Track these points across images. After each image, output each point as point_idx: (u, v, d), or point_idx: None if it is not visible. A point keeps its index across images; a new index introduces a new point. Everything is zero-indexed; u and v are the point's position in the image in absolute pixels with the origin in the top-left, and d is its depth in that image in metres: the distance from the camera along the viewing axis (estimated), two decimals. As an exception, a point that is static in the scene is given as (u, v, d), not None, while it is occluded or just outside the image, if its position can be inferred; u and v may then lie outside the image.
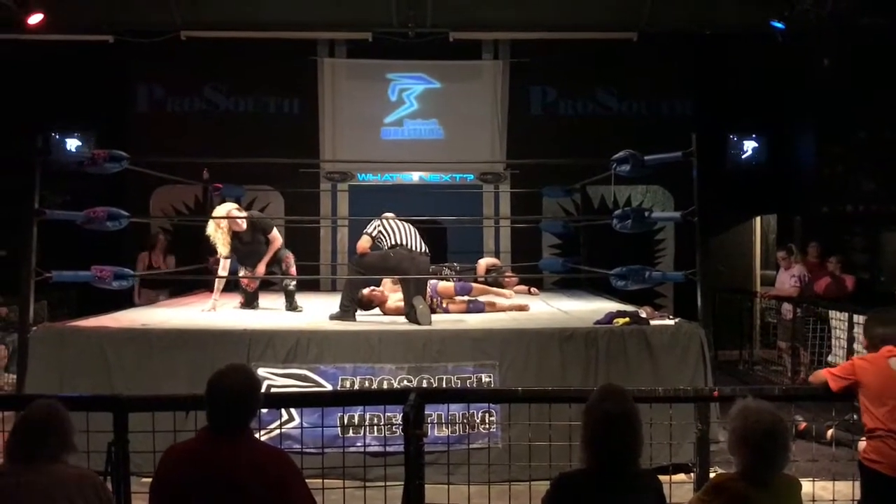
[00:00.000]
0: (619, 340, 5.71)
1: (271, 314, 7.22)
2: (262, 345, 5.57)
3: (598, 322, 6.03)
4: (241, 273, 7.43)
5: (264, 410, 4.82)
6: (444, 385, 5.44)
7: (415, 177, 10.88)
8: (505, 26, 10.47)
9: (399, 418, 4.44)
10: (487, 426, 5.42)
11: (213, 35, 10.24)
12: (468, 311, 7.20)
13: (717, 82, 10.82)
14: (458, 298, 7.25)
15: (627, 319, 5.97)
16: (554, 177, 10.05)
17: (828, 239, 9.80)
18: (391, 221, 6.67)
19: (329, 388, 5.45)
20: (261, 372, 5.35)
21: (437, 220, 9.02)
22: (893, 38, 8.98)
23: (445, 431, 5.30)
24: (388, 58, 10.73)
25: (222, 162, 9.07)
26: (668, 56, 10.74)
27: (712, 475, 4.32)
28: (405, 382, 5.45)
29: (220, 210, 7.30)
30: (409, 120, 10.88)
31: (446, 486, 4.24)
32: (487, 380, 5.55)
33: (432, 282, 7.11)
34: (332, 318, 6.48)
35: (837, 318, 8.15)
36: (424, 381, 5.43)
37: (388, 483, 3.71)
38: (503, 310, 7.34)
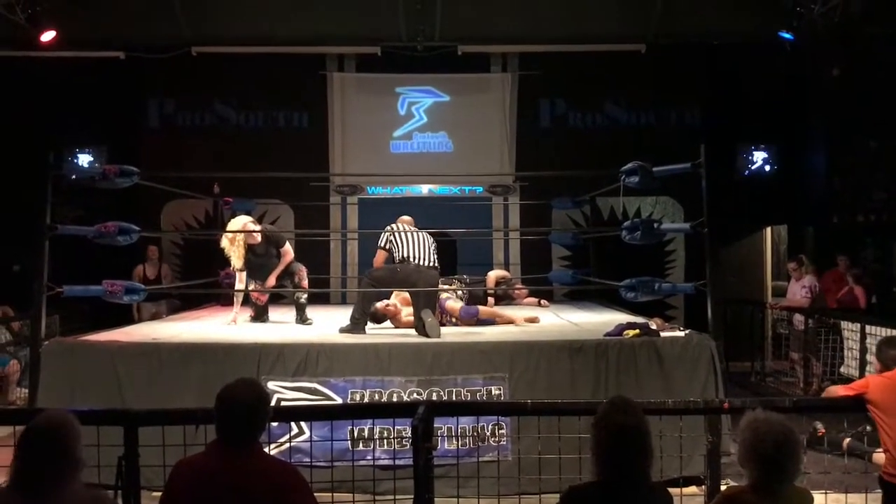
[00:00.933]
0: (629, 352, 5.69)
1: (281, 327, 7.24)
2: (273, 358, 5.58)
3: (608, 334, 6.01)
4: (252, 286, 7.45)
5: (274, 424, 4.82)
6: (453, 398, 5.44)
7: (424, 189, 10.90)
8: (513, 39, 10.52)
9: (408, 431, 4.43)
10: (497, 439, 5.41)
11: (223, 50, 10.33)
12: (478, 323, 7.18)
13: (725, 93, 10.82)
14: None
15: (638, 331, 5.94)
16: (563, 188, 10.05)
17: (839, 249, 9.74)
18: (403, 234, 6.67)
19: (339, 401, 5.45)
20: (271, 385, 5.36)
21: (447, 232, 9.03)
22: (902, 48, 8.98)
23: (455, 444, 5.28)
24: (397, 72, 10.79)
25: (232, 176, 9.13)
26: (677, 67, 10.74)
27: (723, 488, 4.29)
28: (415, 395, 5.44)
29: (236, 223, 7.33)
30: (418, 133, 10.92)
31: (456, 500, 4.23)
32: (497, 392, 5.54)
33: (442, 297, 7.10)
34: (342, 331, 6.49)
35: (850, 329, 8.10)
36: (434, 394, 5.42)
37: (397, 496, 3.70)
38: (513, 322, 7.31)
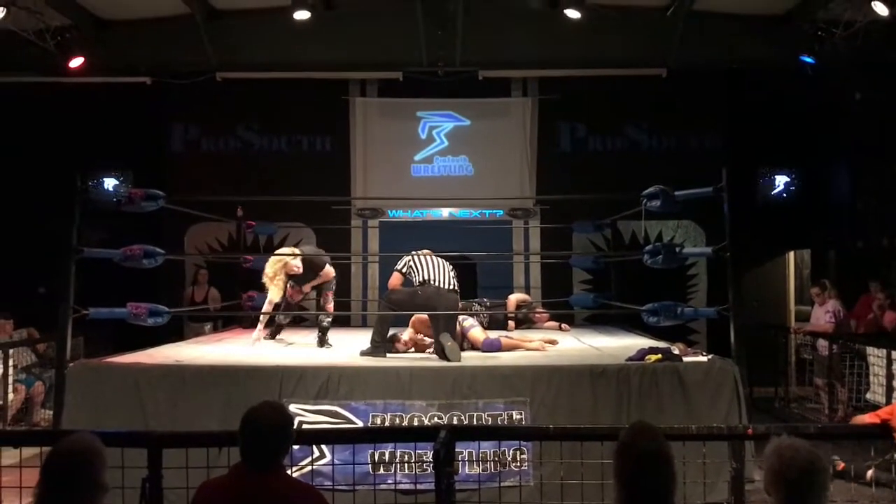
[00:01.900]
0: (651, 377, 5.65)
1: (303, 350, 7.26)
2: (294, 381, 5.59)
3: (629, 359, 5.97)
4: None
5: (296, 447, 4.83)
6: (474, 422, 5.42)
7: (444, 213, 10.94)
8: (533, 64, 10.59)
9: (430, 455, 4.42)
10: (519, 464, 5.37)
11: (248, 76, 10.47)
12: None
13: (747, 117, 10.80)
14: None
15: (660, 356, 5.90)
16: (583, 212, 10.04)
17: (864, 274, 9.64)
18: (422, 258, 6.69)
19: (360, 424, 5.45)
20: (292, 408, 5.37)
21: (467, 255, 9.04)
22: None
23: (476, 469, 5.25)
24: (419, 96, 10.89)
25: (256, 200, 9.21)
26: (698, 91, 10.75)
27: (748, 515, 4.24)
28: (436, 419, 5.43)
29: (275, 259, 7.35)
30: (439, 157, 10.99)
31: (478, 525, 4.21)
32: (518, 417, 5.51)
33: (465, 324, 7.08)
34: (363, 354, 6.49)
35: (875, 355, 8.00)
36: (455, 418, 5.41)
37: (419, 521, 3.69)
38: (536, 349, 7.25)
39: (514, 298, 9.43)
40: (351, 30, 10.12)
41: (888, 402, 7.25)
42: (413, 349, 6.90)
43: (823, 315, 9.19)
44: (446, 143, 11.00)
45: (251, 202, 9.31)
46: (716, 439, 4.41)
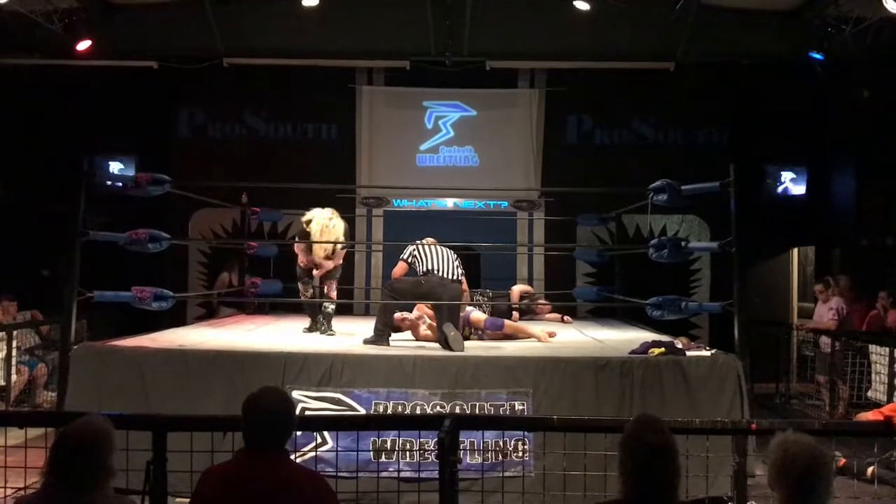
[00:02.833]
0: (654, 371, 5.65)
1: (307, 337, 7.27)
2: (297, 367, 5.60)
3: (633, 352, 5.98)
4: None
5: (299, 433, 4.85)
6: (476, 412, 5.43)
7: (449, 203, 10.93)
8: (541, 56, 10.55)
9: (432, 444, 4.43)
10: (521, 454, 5.39)
11: (255, 62, 10.44)
12: (503, 337, 7.17)
13: (754, 113, 10.78)
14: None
15: (663, 350, 5.90)
16: (588, 205, 10.02)
17: (868, 272, 9.63)
18: (427, 247, 6.70)
19: (362, 412, 5.46)
20: (295, 395, 5.38)
21: (471, 246, 9.04)
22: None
23: (478, 459, 5.27)
24: (425, 86, 10.86)
25: (261, 186, 9.21)
26: (706, 86, 10.71)
27: (750, 510, 4.25)
28: (438, 408, 5.44)
29: (323, 214, 7.39)
30: (444, 147, 10.97)
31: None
32: (521, 407, 5.52)
33: (466, 310, 7.10)
34: (366, 342, 6.50)
35: (878, 353, 8.00)
36: (457, 408, 5.42)
37: (421, 509, 3.70)
38: (537, 338, 7.26)
39: (517, 289, 9.44)
40: (359, 17, 10.08)
41: (889, 399, 7.26)
42: (411, 332, 6.91)
43: (826, 312, 9.19)
44: (452, 133, 10.97)
45: (256, 189, 9.30)
46: (719, 433, 4.41)
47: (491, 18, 10.03)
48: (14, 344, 7.97)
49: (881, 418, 4.06)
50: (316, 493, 2.73)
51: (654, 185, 6.53)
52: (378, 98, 10.98)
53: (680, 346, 6.10)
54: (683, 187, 6.44)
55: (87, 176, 6.27)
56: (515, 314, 8.91)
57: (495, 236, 10.23)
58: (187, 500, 2.84)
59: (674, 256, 6.29)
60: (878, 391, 7.89)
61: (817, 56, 9.73)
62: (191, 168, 10.19)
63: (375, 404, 5.52)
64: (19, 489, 3.53)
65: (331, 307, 7.46)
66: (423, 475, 4.34)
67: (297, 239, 7.61)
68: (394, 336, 6.76)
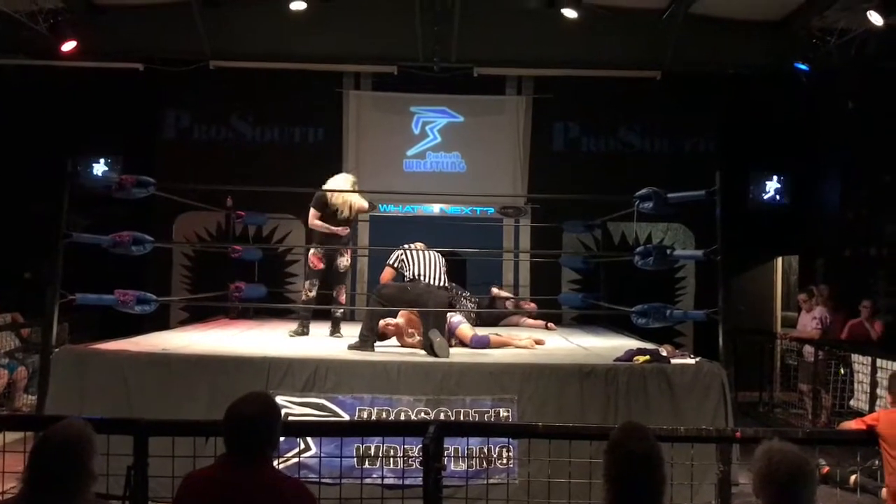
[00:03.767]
0: (639, 378, 5.65)
1: (291, 341, 7.23)
2: (281, 372, 5.56)
3: (618, 359, 5.98)
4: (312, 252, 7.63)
5: (281, 438, 4.80)
6: (461, 418, 5.41)
7: (436, 209, 10.93)
8: (529, 63, 10.57)
9: (416, 450, 4.40)
10: (505, 461, 5.37)
11: (242, 65, 10.41)
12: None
13: (740, 122, 10.84)
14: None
15: (648, 357, 5.91)
16: (575, 212, 10.05)
17: (850, 282, 9.70)
18: (414, 252, 6.68)
19: (346, 417, 5.43)
20: (279, 400, 5.32)
21: (457, 252, 9.03)
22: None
23: (462, 466, 5.25)
24: (413, 91, 10.85)
25: (246, 190, 9.16)
26: (692, 95, 10.77)
27: (733, 518, 4.25)
28: (423, 414, 5.41)
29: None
30: (431, 152, 10.97)
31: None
32: (505, 414, 5.51)
33: (454, 320, 7.07)
34: (351, 347, 6.47)
35: (860, 362, 8.05)
36: (442, 414, 5.39)
37: (405, 516, 3.67)
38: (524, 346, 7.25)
39: (496, 290, 9.51)
40: (347, 22, 10.08)
41: (871, 409, 7.30)
42: (396, 339, 6.89)
43: (810, 321, 9.25)
44: (439, 138, 10.98)
45: (242, 192, 9.25)
46: (704, 441, 4.42)
47: (479, 25, 10.06)
48: (-6, 346, 7.88)
49: (863, 427, 4.08)
50: (298, 502, 2.70)
51: (640, 192, 6.54)
52: (365, 103, 10.97)
53: (665, 353, 6.10)
54: (669, 195, 6.46)
55: (71, 177, 6.20)
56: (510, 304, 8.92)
57: (481, 242, 10.23)
58: (168, 505, 2.81)
59: (659, 264, 6.31)
60: (860, 400, 7.93)
61: (803, 66, 9.82)
62: (176, 170, 10.10)
63: (360, 410, 5.48)
64: (-3, 494, 3.48)
65: (340, 311, 7.61)
66: (407, 482, 4.32)
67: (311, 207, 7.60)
68: (379, 342, 6.73)
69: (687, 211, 7.94)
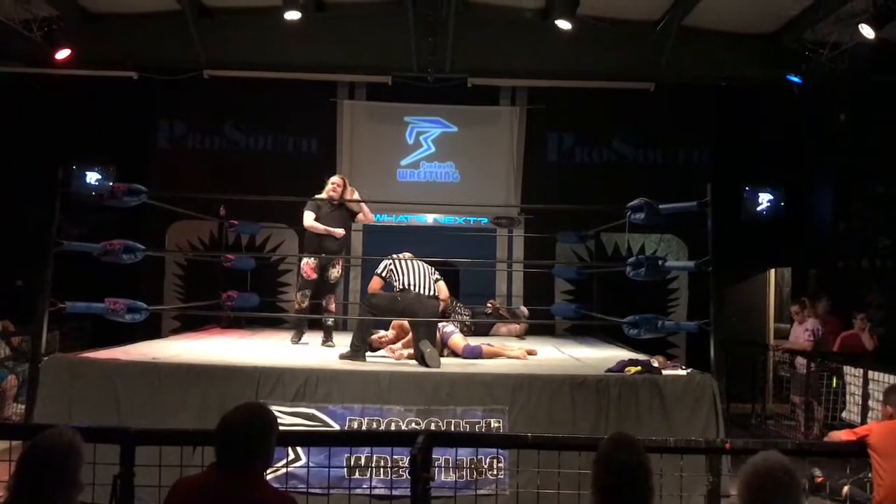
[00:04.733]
0: (630, 389, 5.65)
1: (282, 351, 7.21)
2: (272, 382, 5.55)
3: (609, 370, 5.98)
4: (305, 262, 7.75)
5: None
6: (452, 429, 5.39)
7: (429, 219, 10.93)
8: (523, 74, 10.60)
9: (406, 461, 4.38)
10: (495, 472, 5.35)
11: (236, 74, 10.41)
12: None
13: (733, 134, 10.88)
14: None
15: (639, 368, 5.91)
16: (568, 222, 10.07)
17: (843, 294, 9.72)
18: (403, 262, 6.66)
19: (336, 427, 5.41)
20: (269, 409, 5.31)
21: (451, 262, 9.03)
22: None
23: (452, 476, 5.22)
24: (407, 101, 10.87)
25: (239, 199, 9.16)
26: (685, 106, 10.82)
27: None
28: (413, 425, 5.40)
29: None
30: (425, 162, 10.99)
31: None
32: (496, 425, 5.49)
33: (446, 331, 7.07)
34: (342, 357, 6.46)
35: (852, 374, 8.05)
36: (433, 424, 5.38)
37: (393, 527, 3.65)
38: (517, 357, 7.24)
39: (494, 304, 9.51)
40: (341, 32, 10.11)
41: (863, 421, 7.30)
42: (390, 351, 6.87)
43: (802, 333, 9.25)
44: (433, 149, 10.99)
45: (235, 201, 9.24)
46: (694, 452, 4.40)
47: (473, 36, 10.10)
48: (-16, 355, 7.84)
49: (854, 438, 4.07)
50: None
51: (631, 203, 6.55)
52: (359, 112, 10.98)
53: (656, 364, 6.10)
54: (661, 206, 6.47)
55: (62, 185, 6.19)
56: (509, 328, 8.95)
57: (475, 252, 10.22)
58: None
59: (651, 275, 6.31)
60: (852, 412, 7.93)
61: (795, 79, 9.86)
62: (169, 179, 10.12)
63: (350, 420, 5.47)
64: (-18, 503, 3.45)
65: (330, 320, 7.70)
66: (395, 492, 4.30)
67: (305, 210, 7.76)
68: (370, 353, 6.72)
69: (680, 222, 7.95)
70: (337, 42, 10.12)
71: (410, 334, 6.80)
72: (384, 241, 10.06)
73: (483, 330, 8.93)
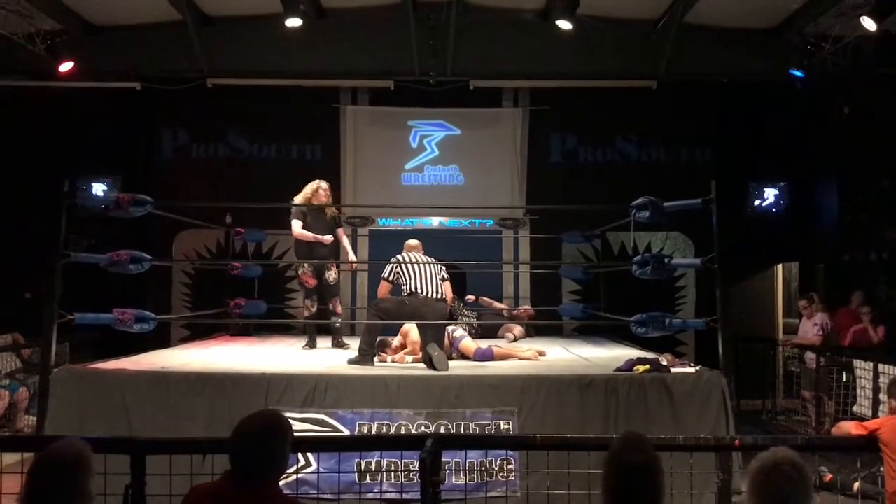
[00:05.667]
0: (639, 388, 5.64)
1: (290, 358, 7.23)
2: (281, 388, 5.56)
3: (618, 369, 5.97)
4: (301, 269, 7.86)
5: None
6: (461, 431, 5.39)
7: (435, 222, 10.94)
8: (524, 75, 10.59)
9: (416, 465, 4.39)
10: (505, 474, 5.35)
11: (238, 83, 10.44)
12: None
13: (737, 130, 10.86)
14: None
15: (648, 367, 5.90)
16: (573, 223, 10.06)
17: (851, 287, 9.68)
18: (410, 266, 6.66)
19: (346, 433, 5.42)
20: (278, 416, 5.32)
21: (457, 265, 9.03)
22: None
23: (463, 479, 5.23)
24: (410, 105, 10.88)
25: (245, 206, 9.18)
26: (688, 104, 10.80)
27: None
28: (423, 428, 5.40)
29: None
30: (429, 166, 10.99)
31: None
32: (506, 427, 5.49)
33: (456, 335, 7.07)
34: (351, 362, 6.47)
35: (862, 368, 8.03)
36: (442, 427, 5.38)
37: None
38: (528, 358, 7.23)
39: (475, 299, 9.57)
40: (343, 38, 10.12)
41: (874, 414, 7.28)
42: (398, 359, 6.88)
43: (811, 328, 9.23)
44: (437, 152, 11.00)
45: (240, 209, 9.27)
46: (703, 450, 4.40)
47: (474, 38, 10.10)
48: (-5, 367, 7.88)
49: (864, 432, 4.06)
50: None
51: (636, 202, 6.54)
52: (362, 117, 11.00)
53: (665, 362, 6.09)
54: (666, 204, 6.46)
55: (68, 197, 6.22)
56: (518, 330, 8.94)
57: (481, 255, 10.22)
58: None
59: (657, 273, 6.30)
60: (862, 406, 7.91)
61: (798, 73, 9.83)
62: (175, 188, 10.17)
63: (359, 425, 5.47)
64: (-5, 516, 3.48)
65: (338, 322, 7.90)
66: (406, 496, 4.31)
67: (292, 220, 7.84)
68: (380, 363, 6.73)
69: (687, 220, 7.94)
70: (338, 48, 10.14)
71: (414, 343, 6.82)
72: (390, 245, 10.05)
73: (490, 332, 8.92)
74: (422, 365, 6.39)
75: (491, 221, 10.95)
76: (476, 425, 5.48)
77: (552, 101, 10.83)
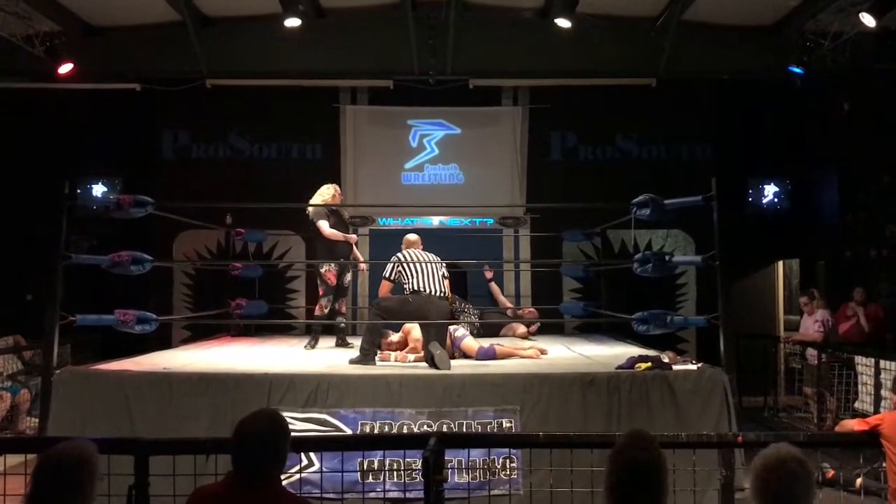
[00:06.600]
0: (641, 385, 5.64)
1: (292, 357, 7.23)
2: (283, 388, 5.56)
3: (619, 367, 5.97)
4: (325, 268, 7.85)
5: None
6: (464, 430, 5.40)
7: (435, 221, 10.94)
8: (524, 73, 10.59)
9: (419, 463, 4.40)
10: (508, 472, 5.35)
11: (238, 83, 10.44)
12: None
13: (737, 127, 10.86)
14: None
15: (650, 364, 5.90)
16: (574, 221, 10.05)
17: (851, 284, 9.69)
18: (412, 265, 6.66)
19: (349, 432, 5.42)
20: (280, 416, 5.32)
21: (457, 263, 9.03)
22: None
23: (466, 478, 5.23)
24: (409, 104, 10.88)
25: (245, 207, 9.18)
26: (688, 101, 10.81)
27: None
28: (425, 427, 5.39)
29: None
30: (429, 165, 10.99)
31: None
32: (508, 425, 5.49)
33: (458, 334, 7.07)
34: (352, 362, 6.47)
35: (864, 364, 8.03)
36: (444, 426, 5.38)
37: (408, 529, 3.66)
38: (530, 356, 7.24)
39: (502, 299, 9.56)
40: (342, 38, 10.12)
41: (876, 410, 7.28)
42: (400, 358, 6.88)
43: (812, 324, 9.24)
44: (437, 151, 11.00)
45: (241, 209, 9.27)
46: (705, 447, 4.40)
47: (473, 37, 10.10)
48: (-4, 369, 7.88)
49: (866, 428, 4.06)
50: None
51: (636, 199, 6.54)
52: (362, 117, 11.00)
53: (666, 360, 6.09)
54: (666, 201, 6.46)
55: (69, 199, 6.21)
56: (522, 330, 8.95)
57: (481, 254, 10.24)
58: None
59: (658, 271, 6.30)
60: (864, 402, 7.91)
61: (797, 70, 9.83)
62: (175, 189, 10.16)
63: (362, 425, 5.47)
64: (-2, 517, 3.48)
65: (343, 322, 8.02)
66: (409, 495, 4.31)
67: (315, 222, 7.87)
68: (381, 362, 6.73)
69: (687, 217, 7.94)
70: (338, 47, 10.14)
71: (416, 342, 6.82)
72: (390, 244, 10.06)
73: (492, 330, 8.93)
74: (424, 364, 6.39)
75: (491, 220, 10.95)
76: (478, 424, 5.47)
77: (552, 100, 10.83)
